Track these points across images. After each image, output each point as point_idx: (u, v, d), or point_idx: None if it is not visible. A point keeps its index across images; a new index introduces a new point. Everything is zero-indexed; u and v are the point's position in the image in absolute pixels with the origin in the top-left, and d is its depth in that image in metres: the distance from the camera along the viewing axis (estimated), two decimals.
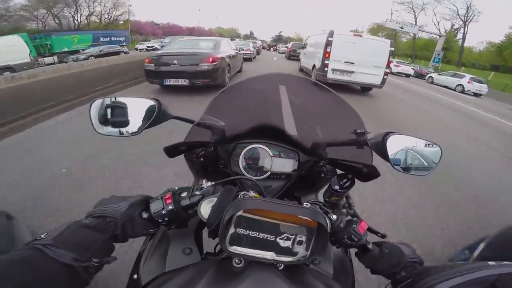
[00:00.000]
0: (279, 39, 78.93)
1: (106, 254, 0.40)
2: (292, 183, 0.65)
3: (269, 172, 0.63)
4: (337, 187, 0.53)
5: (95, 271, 0.38)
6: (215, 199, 0.44)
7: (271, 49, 38.48)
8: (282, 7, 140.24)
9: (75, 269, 0.34)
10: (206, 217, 0.43)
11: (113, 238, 0.42)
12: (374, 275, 0.52)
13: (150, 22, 53.87)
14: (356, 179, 0.56)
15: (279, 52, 29.55)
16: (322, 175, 0.65)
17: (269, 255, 0.40)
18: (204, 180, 0.49)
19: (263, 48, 39.80)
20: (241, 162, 0.63)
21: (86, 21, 39.22)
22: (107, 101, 0.52)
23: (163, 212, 0.45)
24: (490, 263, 0.37)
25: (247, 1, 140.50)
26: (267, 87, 0.72)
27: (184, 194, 0.48)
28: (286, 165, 0.64)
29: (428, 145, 0.54)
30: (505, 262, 0.37)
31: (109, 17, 41.90)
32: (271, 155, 0.63)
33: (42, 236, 0.36)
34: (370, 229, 0.52)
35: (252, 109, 0.71)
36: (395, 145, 0.51)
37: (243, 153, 0.63)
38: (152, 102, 0.51)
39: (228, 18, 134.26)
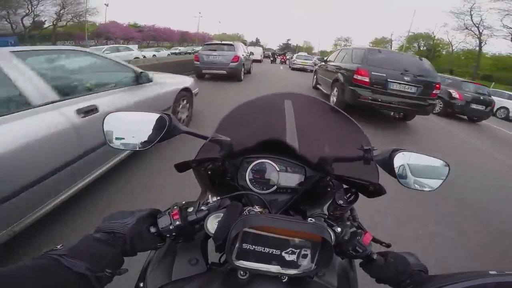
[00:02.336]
0: (286, 47, 67.26)
1: (117, 267, 0.41)
2: (298, 197, 0.63)
3: (275, 187, 0.61)
4: (341, 202, 0.52)
5: (107, 281, 0.39)
6: (221, 214, 0.44)
7: (278, 59, 24.04)
8: (290, 15, 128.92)
9: (88, 278, 0.35)
10: (213, 232, 0.43)
11: (123, 252, 0.42)
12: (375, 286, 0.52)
13: (131, 24, 42.77)
14: (363, 194, 0.56)
15: (292, 68, 15.90)
16: (329, 189, 0.64)
17: (274, 268, 0.40)
18: (209, 195, 0.54)
19: (267, 57, 25.47)
20: (248, 176, 0.61)
21: (22, 23, 27.61)
22: (120, 115, 0.53)
23: (171, 227, 0.45)
24: (491, 272, 0.37)
25: (254, 7, 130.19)
26: (275, 104, 0.71)
27: (190, 209, 0.48)
28: (292, 179, 0.62)
29: (435, 161, 0.54)
30: (506, 272, 0.37)
31: (59, 17, 30.46)
32: (278, 169, 0.61)
33: (58, 247, 0.37)
34: (374, 240, 0.53)
35: (259, 125, 0.69)
36: (402, 161, 0.51)
37: (250, 167, 0.61)
38: (163, 117, 0.51)
39: (233, 23, 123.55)
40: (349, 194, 0.53)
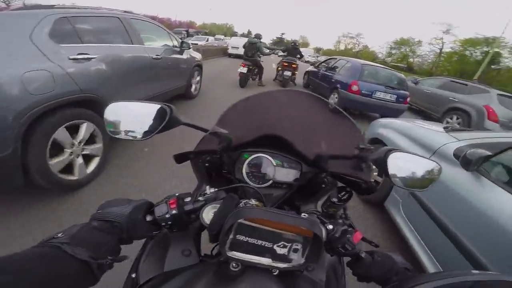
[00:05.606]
0: (280, 41, 66.75)
1: (115, 254, 0.44)
2: (293, 192, 0.67)
3: (271, 181, 0.64)
4: (335, 200, 0.56)
5: (107, 268, 0.42)
6: (218, 205, 0.47)
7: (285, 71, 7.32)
8: (285, 8, 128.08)
9: (90, 265, 0.38)
10: (208, 222, 0.46)
11: (120, 240, 0.45)
12: (363, 284, 0.56)
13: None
14: (355, 191, 0.62)
15: None
16: (323, 186, 0.68)
17: (265, 260, 0.43)
18: (207, 187, 0.53)
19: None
20: (245, 170, 0.64)
21: None
22: (121, 104, 0.54)
23: (167, 216, 0.48)
24: (474, 271, 0.39)
25: None
26: (275, 100, 0.75)
27: (187, 199, 0.51)
28: (288, 175, 0.65)
29: (427, 162, 0.57)
30: (488, 272, 0.41)
31: None
32: (274, 164, 0.64)
33: (59, 235, 0.39)
34: (364, 239, 0.56)
35: (259, 120, 0.73)
36: (396, 162, 0.53)
37: (247, 161, 0.65)
38: (164, 107, 0.51)
39: (224, 13, 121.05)
40: (343, 192, 0.57)
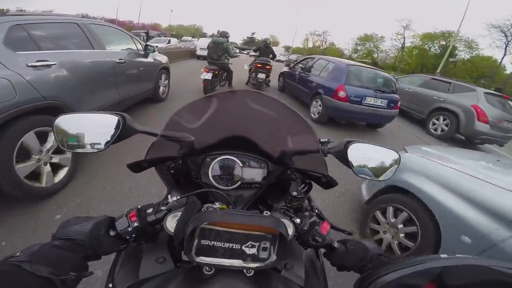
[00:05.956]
0: (251, 41, 66.41)
1: (80, 271, 0.41)
2: (265, 191, 0.68)
3: (239, 182, 0.65)
4: (295, 193, 0.56)
5: (73, 284, 0.40)
6: (180, 213, 0.46)
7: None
8: (255, 7, 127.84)
9: (53, 283, 0.36)
10: (173, 231, 0.45)
11: (86, 257, 0.43)
12: (342, 273, 0.56)
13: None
14: (319, 186, 0.63)
15: None
16: (292, 182, 0.66)
17: (236, 262, 0.42)
18: (169, 195, 0.55)
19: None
20: (211, 173, 0.64)
21: None
22: (72, 116, 0.52)
23: (129, 229, 0.47)
24: (442, 255, 0.40)
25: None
26: (233, 101, 0.74)
27: (149, 210, 0.50)
28: (256, 174, 0.66)
29: (387, 151, 0.58)
30: (457, 255, 0.40)
31: None
32: (241, 165, 0.64)
33: (18, 254, 0.37)
34: (335, 228, 0.57)
35: (220, 121, 0.71)
36: (356, 153, 0.54)
37: (212, 164, 0.64)
38: (117, 117, 0.49)
39: (190, 14, 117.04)
40: (303, 185, 0.58)
